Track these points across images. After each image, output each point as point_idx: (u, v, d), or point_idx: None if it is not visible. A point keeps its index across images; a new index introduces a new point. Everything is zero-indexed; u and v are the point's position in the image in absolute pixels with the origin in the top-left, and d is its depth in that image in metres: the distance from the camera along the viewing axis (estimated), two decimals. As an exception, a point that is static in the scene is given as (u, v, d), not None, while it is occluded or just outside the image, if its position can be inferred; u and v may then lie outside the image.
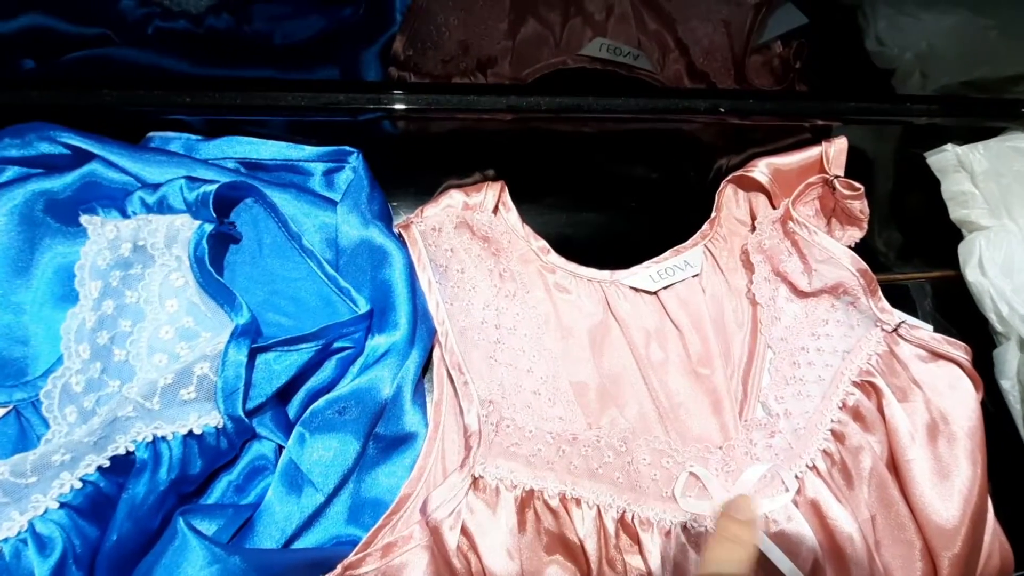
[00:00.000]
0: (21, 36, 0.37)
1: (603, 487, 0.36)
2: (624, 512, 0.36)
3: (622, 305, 0.43)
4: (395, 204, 0.43)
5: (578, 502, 0.35)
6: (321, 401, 0.34)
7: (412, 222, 0.41)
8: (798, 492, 0.38)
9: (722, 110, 0.41)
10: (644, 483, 0.37)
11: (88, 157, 0.35)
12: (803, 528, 0.36)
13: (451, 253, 0.41)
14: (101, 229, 0.32)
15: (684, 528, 0.36)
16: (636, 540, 0.35)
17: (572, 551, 0.35)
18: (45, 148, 0.35)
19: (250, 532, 0.32)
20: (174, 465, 0.30)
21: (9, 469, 0.28)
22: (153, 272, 0.34)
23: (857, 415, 0.40)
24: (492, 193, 0.43)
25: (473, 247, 0.42)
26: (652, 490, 0.37)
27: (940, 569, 0.37)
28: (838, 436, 0.40)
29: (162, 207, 0.34)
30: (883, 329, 0.42)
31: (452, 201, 0.42)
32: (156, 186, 0.34)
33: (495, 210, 0.43)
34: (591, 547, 0.34)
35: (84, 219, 0.32)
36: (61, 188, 0.34)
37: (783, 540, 0.36)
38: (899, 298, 0.49)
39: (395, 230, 0.41)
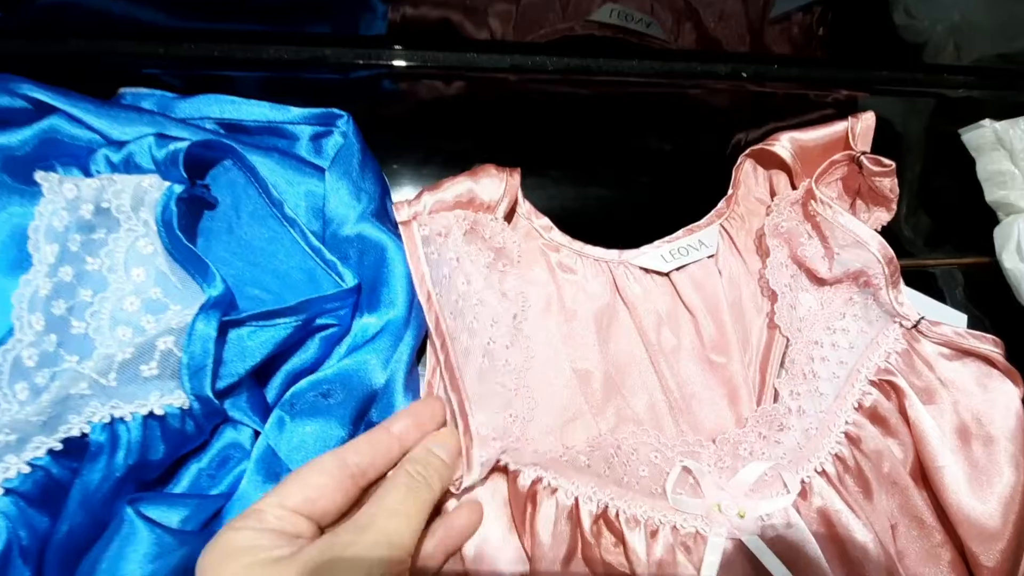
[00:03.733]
0: (-18, -20, 0.34)
1: (585, 478, 0.33)
2: (607, 507, 0.32)
3: (631, 287, 0.40)
4: (387, 174, 0.40)
5: (553, 491, 0.32)
6: (304, 382, 0.31)
7: (413, 220, 0.34)
8: (803, 497, 0.34)
9: (744, 75, 0.38)
10: (631, 478, 0.34)
11: (50, 112, 0.32)
12: (804, 535, 0.33)
13: (456, 263, 0.35)
14: (59, 187, 0.29)
15: (673, 528, 0.33)
16: (620, 539, 0.32)
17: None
18: (4, 101, 0.32)
19: (222, 524, 0.29)
20: (133, 449, 0.27)
21: (-52, 450, 0.25)
22: (118, 238, 0.31)
23: (875, 417, 0.37)
24: (510, 190, 0.37)
25: (481, 258, 0.36)
26: (641, 486, 0.34)
27: (978, 581, 0.34)
28: (853, 439, 0.36)
29: (129, 166, 0.31)
30: (902, 325, 0.39)
31: (459, 191, 0.35)
32: (122, 143, 0.31)
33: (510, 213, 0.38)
34: (560, 540, 0.31)
35: (39, 175, 0.29)
36: (18, 144, 0.31)
37: (781, 546, 0.32)
38: (927, 285, 0.46)
39: (393, 216, 0.35)
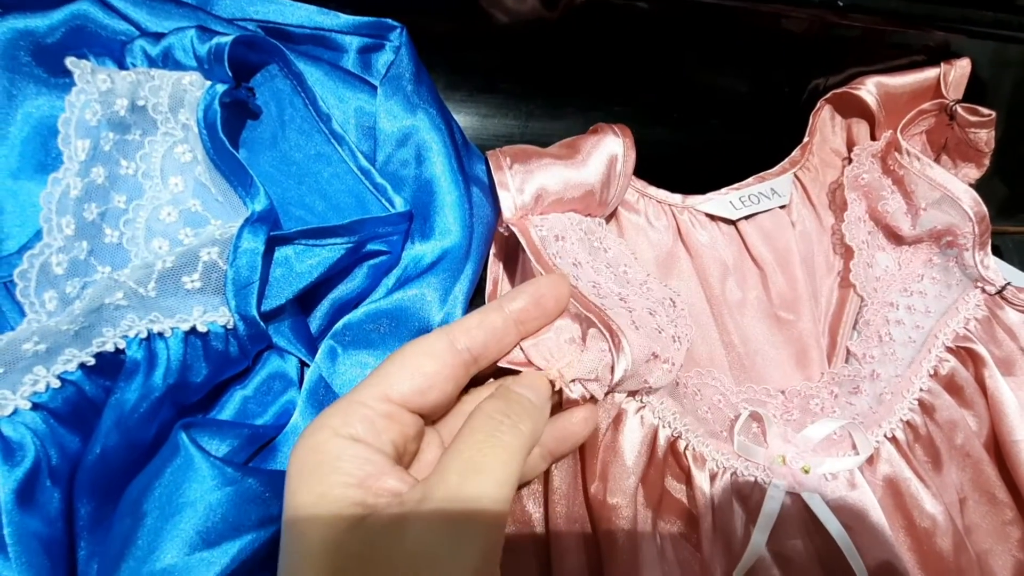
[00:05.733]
0: None
1: (670, 402, 0.30)
2: (679, 437, 0.30)
3: (696, 234, 0.37)
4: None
5: (640, 409, 0.30)
6: (359, 313, 0.29)
7: (526, 220, 0.29)
8: (869, 463, 0.32)
9: (840, 3, 0.34)
10: (701, 413, 0.32)
11: (80, -4, 0.29)
12: (868, 500, 0.31)
13: (578, 267, 0.29)
14: (91, 77, 0.26)
15: (733, 474, 0.31)
16: (687, 474, 0.30)
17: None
18: (29, -17, 0.29)
19: (271, 458, 0.27)
20: (172, 368, 0.25)
21: (-30, 358, 0.23)
22: (155, 141, 0.28)
23: (951, 386, 0.35)
24: (626, 173, 0.32)
25: (600, 263, 0.31)
26: (704, 427, 0.32)
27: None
28: (926, 408, 0.34)
29: (167, 62, 0.28)
30: (984, 291, 0.36)
31: (573, 181, 0.30)
32: (161, 35, 0.28)
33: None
34: (640, 461, 0.29)
35: (71, 61, 0.26)
36: (47, 29, 0.28)
37: (842, 508, 0.31)
38: (997, 255, 0.43)
39: (450, 141, 0.31)
